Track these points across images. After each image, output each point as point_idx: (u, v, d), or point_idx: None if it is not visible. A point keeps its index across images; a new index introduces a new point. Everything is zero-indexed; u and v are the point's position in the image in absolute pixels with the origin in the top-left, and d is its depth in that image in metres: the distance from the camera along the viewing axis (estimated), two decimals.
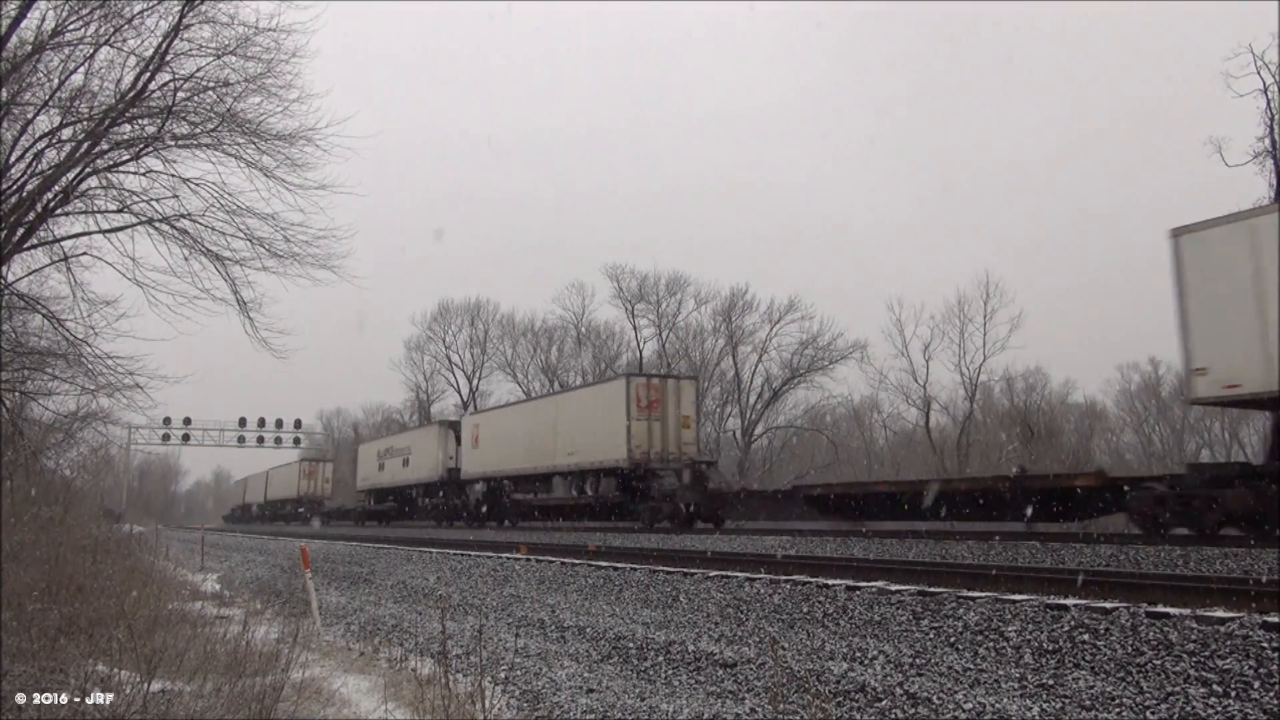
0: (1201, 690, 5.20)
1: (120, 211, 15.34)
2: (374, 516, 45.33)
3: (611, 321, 56.42)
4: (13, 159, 14.61)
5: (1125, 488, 14.16)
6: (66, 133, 14.59)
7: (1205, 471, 13.70)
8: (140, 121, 14.85)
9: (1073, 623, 6.61)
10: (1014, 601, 7.41)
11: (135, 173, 15.24)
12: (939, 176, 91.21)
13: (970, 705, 5.36)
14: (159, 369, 15.99)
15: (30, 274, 16.52)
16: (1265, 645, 5.55)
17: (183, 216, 15.22)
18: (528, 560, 14.49)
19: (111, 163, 15.02)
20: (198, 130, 14.70)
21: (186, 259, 15.28)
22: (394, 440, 44.33)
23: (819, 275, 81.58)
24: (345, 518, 50.26)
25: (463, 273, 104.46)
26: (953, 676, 6.04)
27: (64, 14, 13.48)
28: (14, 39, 13.46)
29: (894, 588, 8.65)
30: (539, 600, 10.98)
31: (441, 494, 36.73)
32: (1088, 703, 5.26)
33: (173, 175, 15.10)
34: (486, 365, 62.08)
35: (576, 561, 13.49)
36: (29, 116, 14.42)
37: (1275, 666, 5.29)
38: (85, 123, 14.35)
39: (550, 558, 14.50)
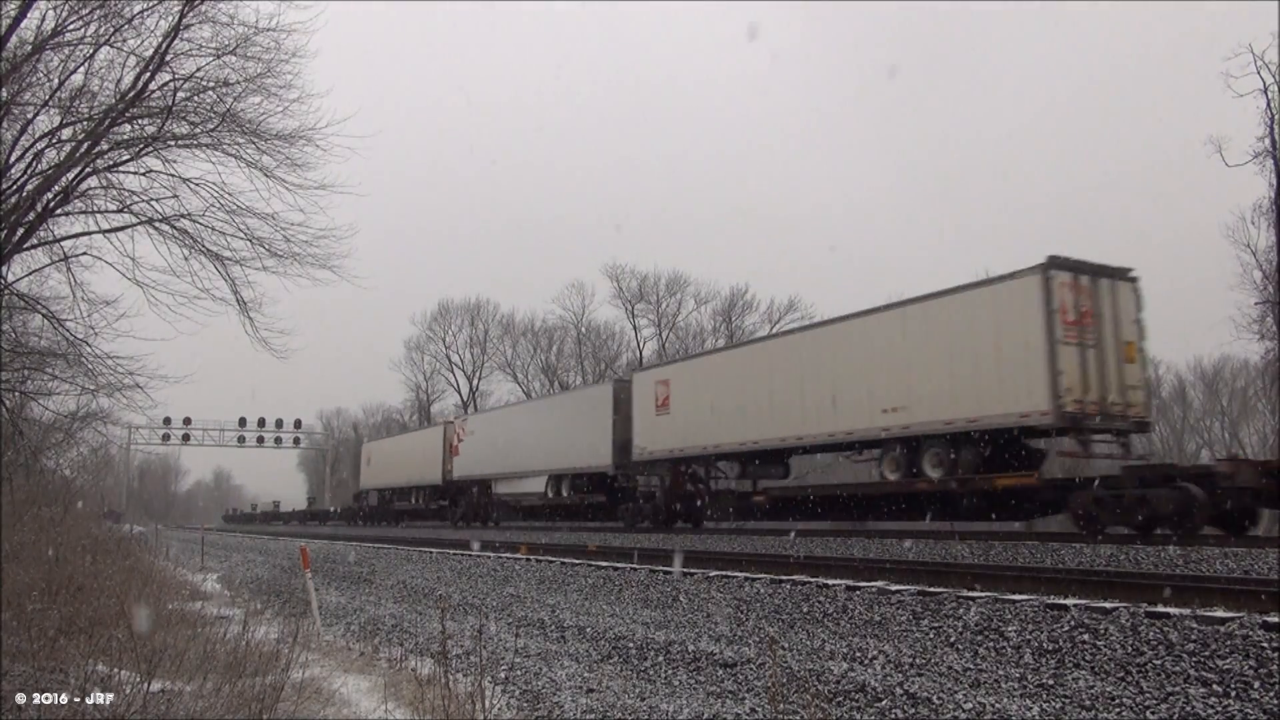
0: (1201, 690, 5.20)
1: (120, 211, 15.33)
2: None
3: (611, 321, 56.45)
4: (13, 159, 14.59)
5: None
6: (66, 133, 14.57)
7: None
8: (140, 121, 14.82)
9: (1073, 623, 6.61)
10: (1014, 601, 7.42)
11: (135, 173, 15.24)
12: (939, 176, 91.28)
13: (970, 705, 5.36)
14: (159, 369, 15.96)
15: (30, 274, 16.53)
16: (1265, 645, 5.55)
17: (183, 216, 15.21)
18: (528, 560, 14.49)
19: (111, 163, 15.00)
20: (198, 130, 14.68)
21: (186, 259, 15.28)
22: None
23: (819, 274, 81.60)
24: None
25: (463, 273, 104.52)
26: (953, 676, 6.04)
27: (64, 14, 13.47)
28: (14, 39, 13.43)
29: (894, 588, 8.65)
30: (539, 600, 10.98)
31: None
32: (1088, 703, 5.26)
33: (173, 175, 15.10)
34: (486, 365, 62.16)
35: (576, 561, 13.48)
36: (29, 116, 14.40)
37: (1275, 666, 5.29)
38: (85, 123, 14.33)
39: (550, 558, 14.49)
